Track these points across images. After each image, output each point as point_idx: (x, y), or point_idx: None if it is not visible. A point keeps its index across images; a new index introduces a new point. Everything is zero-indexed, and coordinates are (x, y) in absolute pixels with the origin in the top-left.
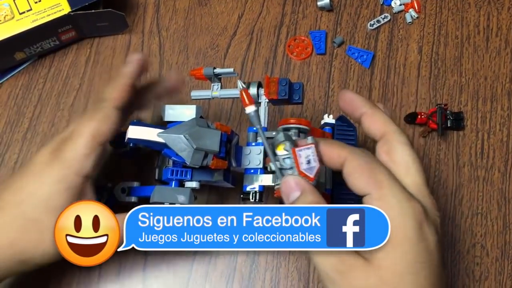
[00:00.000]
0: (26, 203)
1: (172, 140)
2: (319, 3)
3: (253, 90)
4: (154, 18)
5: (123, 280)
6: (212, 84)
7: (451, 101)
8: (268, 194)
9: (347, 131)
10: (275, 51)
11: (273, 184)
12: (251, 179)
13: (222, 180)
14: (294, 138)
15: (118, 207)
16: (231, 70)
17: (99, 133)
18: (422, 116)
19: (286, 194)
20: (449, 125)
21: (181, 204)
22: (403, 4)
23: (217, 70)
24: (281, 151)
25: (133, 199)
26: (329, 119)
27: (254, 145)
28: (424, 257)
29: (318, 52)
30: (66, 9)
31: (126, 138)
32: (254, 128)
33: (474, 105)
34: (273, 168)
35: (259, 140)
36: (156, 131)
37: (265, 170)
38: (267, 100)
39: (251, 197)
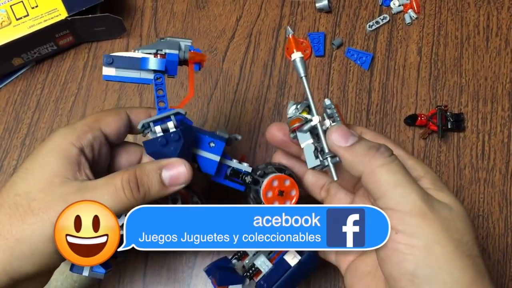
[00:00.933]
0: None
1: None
2: (317, 5)
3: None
4: (152, 22)
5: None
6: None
7: (451, 102)
8: None
9: None
10: (273, 53)
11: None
12: None
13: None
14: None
15: None
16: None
17: (103, 119)
18: (422, 118)
19: (345, 137)
20: (449, 126)
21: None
22: (402, 5)
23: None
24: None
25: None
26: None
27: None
28: None
29: (317, 54)
30: (63, 14)
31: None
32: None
33: (475, 106)
34: (315, 121)
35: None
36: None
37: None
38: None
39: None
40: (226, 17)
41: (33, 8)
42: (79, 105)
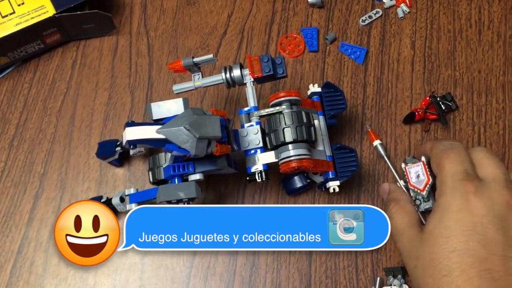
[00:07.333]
0: None
1: (173, 134)
2: (310, 0)
3: (236, 72)
4: (142, 19)
5: None
6: (193, 74)
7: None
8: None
9: (334, 96)
10: (267, 49)
11: (277, 160)
12: (253, 160)
13: (226, 166)
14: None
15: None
16: (210, 56)
17: None
18: (419, 112)
19: (382, 195)
20: (445, 109)
21: (188, 198)
22: None
23: (196, 59)
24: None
25: (134, 206)
26: (315, 88)
27: (249, 126)
28: (467, 225)
29: (310, 50)
30: (50, 11)
31: (124, 141)
32: (253, 120)
33: (469, 98)
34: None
35: (253, 120)
36: (153, 128)
37: (265, 148)
38: (252, 80)
39: (257, 177)
40: (218, 13)
41: (19, 5)
42: (68, 104)
